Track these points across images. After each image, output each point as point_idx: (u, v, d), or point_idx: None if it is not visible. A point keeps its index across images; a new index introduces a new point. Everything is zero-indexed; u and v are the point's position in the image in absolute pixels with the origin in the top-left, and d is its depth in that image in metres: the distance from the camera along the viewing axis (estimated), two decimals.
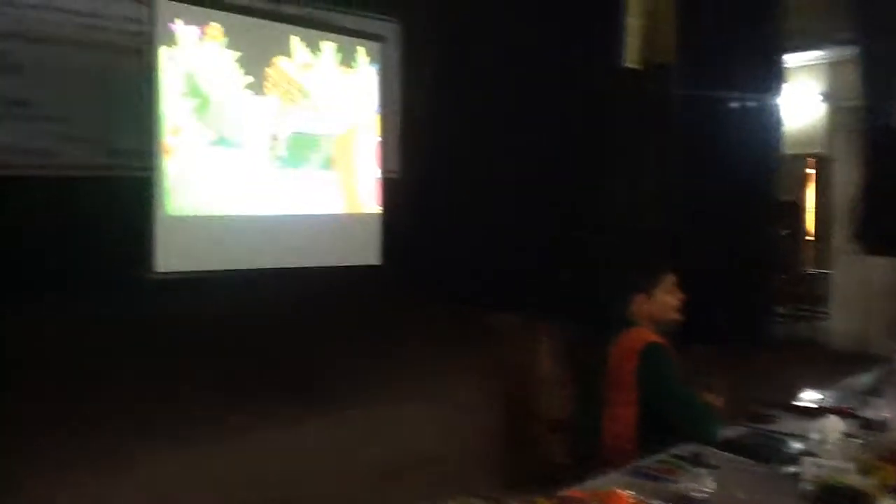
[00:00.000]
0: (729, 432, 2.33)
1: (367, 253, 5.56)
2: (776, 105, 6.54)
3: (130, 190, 4.58)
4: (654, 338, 2.59)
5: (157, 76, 4.46)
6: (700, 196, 6.21)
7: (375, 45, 5.58)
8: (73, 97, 4.81)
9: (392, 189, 5.84)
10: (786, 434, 2.27)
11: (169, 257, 4.57)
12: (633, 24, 6.48)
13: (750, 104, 6.40)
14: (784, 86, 6.68)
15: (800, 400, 2.75)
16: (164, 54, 4.49)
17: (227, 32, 4.75)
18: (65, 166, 4.82)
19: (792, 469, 1.90)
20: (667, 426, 2.40)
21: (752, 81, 6.38)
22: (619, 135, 6.04)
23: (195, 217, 4.70)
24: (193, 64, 4.62)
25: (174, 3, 4.57)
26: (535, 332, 3.80)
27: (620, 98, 6.02)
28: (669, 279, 2.66)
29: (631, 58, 6.47)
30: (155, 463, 3.73)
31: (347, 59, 5.39)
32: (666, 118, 6.29)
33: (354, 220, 5.52)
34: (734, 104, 6.34)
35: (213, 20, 4.70)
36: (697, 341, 4.89)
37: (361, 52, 5.48)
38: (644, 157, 6.39)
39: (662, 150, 6.33)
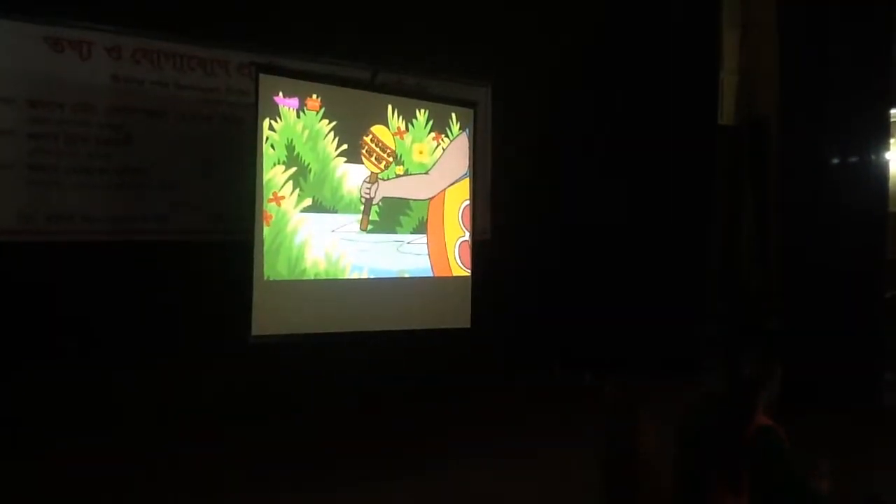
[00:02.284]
0: None
1: (458, 315, 5.54)
2: (882, 161, 6.29)
3: (231, 255, 4.73)
4: (765, 421, 2.48)
5: (259, 145, 4.62)
6: (802, 256, 5.99)
7: (468, 110, 5.65)
8: (181, 166, 5.07)
9: (482, 251, 5.84)
10: None
11: (265, 320, 4.67)
12: (729, 80, 6.40)
13: (854, 160, 6.17)
14: (890, 141, 6.44)
15: None
16: (265, 125, 4.65)
17: (326, 103, 4.91)
18: (173, 231, 5.06)
19: None
20: None
21: (856, 136, 6.16)
22: (717, 193, 5.91)
23: (290, 281, 4.80)
24: (293, 133, 4.78)
25: (277, 77, 4.76)
26: (639, 404, 3.68)
27: (718, 156, 5.90)
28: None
29: (726, 115, 6.37)
30: None
31: (440, 125, 5.48)
32: (765, 176, 6.13)
33: (445, 283, 5.53)
34: (837, 160, 6.13)
35: (313, 92, 4.87)
36: (802, 408, 4.68)
37: (454, 118, 5.56)
38: (743, 216, 6.22)
39: (762, 209, 6.15)
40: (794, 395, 3.72)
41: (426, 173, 5.44)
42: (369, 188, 5.15)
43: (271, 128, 4.67)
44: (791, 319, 5.82)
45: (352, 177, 5.05)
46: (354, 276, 5.07)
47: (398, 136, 5.26)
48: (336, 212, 4.99)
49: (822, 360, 5.82)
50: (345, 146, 5.01)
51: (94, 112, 4.86)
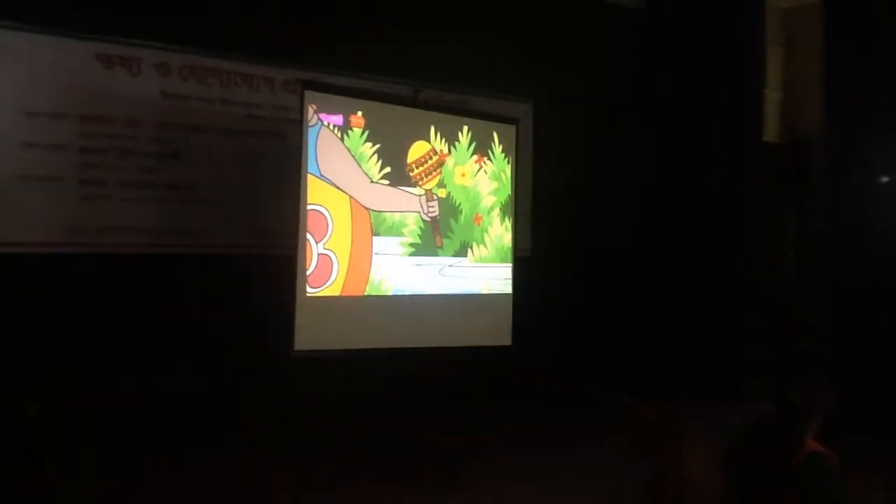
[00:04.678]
0: None
1: (499, 333, 5.51)
2: None
3: (274, 269, 4.78)
4: (817, 447, 2.44)
5: (304, 161, 4.64)
6: (845, 277, 5.89)
7: (510, 132, 5.63)
8: (227, 180, 5.15)
9: (523, 269, 5.82)
10: None
11: (307, 336, 4.67)
12: (773, 98, 6.33)
13: None
14: None
15: None
16: (309, 141, 4.68)
17: (369, 121, 4.92)
18: (218, 245, 5.13)
19: None
20: None
21: None
22: (760, 212, 5.82)
23: (332, 297, 4.82)
24: (336, 150, 4.80)
25: (321, 93, 4.80)
26: (681, 428, 3.64)
27: (762, 174, 5.82)
28: None
29: (770, 132, 6.30)
30: None
31: (482, 147, 5.46)
32: (809, 194, 6.05)
33: (486, 300, 5.50)
34: (883, 179, 6.02)
35: (358, 108, 4.89)
36: (848, 434, 4.59)
37: (496, 139, 5.53)
38: (787, 236, 6.14)
39: (806, 227, 6.07)
40: (840, 421, 3.66)
41: (470, 191, 5.41)
42: (431, 206, 5.17)
43: (315, 143, 4.68)
44: (834, 342, 5.72)
45: (395, 196, 5.03)
46: (397, 292, 5.05)
47: (442, 154, 5.25)
48: (378, 234, 5.00)
49: (866, 384, 5.71)
50: (388, 169, 5.00)
51: (142, 127, 4.95)
